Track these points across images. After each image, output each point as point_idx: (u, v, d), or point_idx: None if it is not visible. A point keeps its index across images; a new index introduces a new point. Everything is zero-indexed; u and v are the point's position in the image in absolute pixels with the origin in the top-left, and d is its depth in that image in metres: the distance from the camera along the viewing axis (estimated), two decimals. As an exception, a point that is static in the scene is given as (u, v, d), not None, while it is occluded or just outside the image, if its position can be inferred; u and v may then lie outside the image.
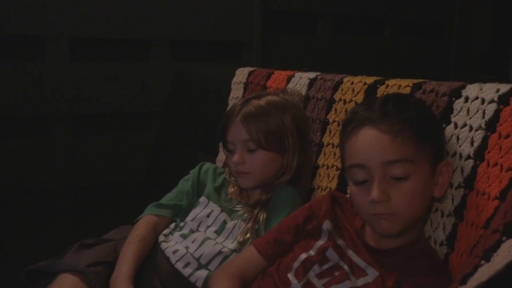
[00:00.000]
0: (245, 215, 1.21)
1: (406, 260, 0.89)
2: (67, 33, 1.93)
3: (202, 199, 1.28)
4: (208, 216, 1.24)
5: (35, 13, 1.85)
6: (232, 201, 1.26)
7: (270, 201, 1.22)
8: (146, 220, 1.26)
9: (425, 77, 1.15)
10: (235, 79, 1.67)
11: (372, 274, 0.89)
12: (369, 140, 0.87)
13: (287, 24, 2.46)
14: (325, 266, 0.94)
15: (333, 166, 1.24)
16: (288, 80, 1.46)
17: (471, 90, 0.96)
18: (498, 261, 0.60)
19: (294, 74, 1.46)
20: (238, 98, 1.61)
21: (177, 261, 1.15)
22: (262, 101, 1.25)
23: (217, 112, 1.70)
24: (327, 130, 1.27)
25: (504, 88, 0.90)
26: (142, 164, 2.11)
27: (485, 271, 0.61)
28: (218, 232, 1.20)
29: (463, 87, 0.98)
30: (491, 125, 0.89)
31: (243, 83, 1.62)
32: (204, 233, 1.21)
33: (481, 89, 0.94)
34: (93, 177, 2.07)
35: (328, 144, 1.26)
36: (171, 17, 2.10)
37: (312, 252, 0.96)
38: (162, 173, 1.98)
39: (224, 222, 1.21)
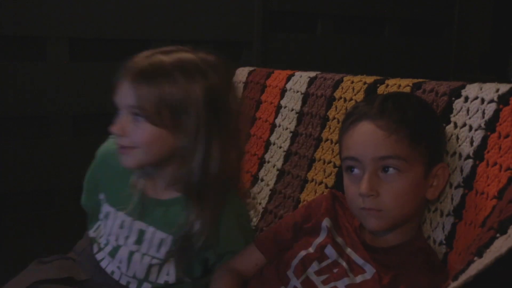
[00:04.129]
0: (162, 220, 1.03)
1: (403, 258, 0.89)
2: (67, 33, 1.93)
3: (108, 209, 1.11)
4: (121, 227, 1.08)
5: (35, 13, 1.85)
6: (141, 200, 1.05)
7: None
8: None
9: (425, 77, 1.16)
10: (235, 79, 1.67)
11: (370, 271, 0.90)
12: (365, 134, 0.89)
13: (287, 24, 2.46)
14: (324, 263, 0.94)
15: (330, 162, 1.24)
16: (288, 78, 1.47)
17: (471, 90, 0.96)
18: (489, 257, 0.60)
19: (294, 73, 1.47)
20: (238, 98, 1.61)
21: (119, 279, 1.09)
22: (170, 58, 0.96)
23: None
24: (327, 126, 1.27)
25: (503, 88, 0.90)
26: (142, 164, 2.11)
27: (475, 266, 0.61)
28: (139, 242, 1.06)
29: (463, 87, 0.98)
30: (490, 125, 0.89)
31: (243, 82, 1.63)
32: (126, 247, 1.07)
33: (481, 89, 0.94)
34: (93, 177, 2.07)
35: (327, 140, 1.26)
36: (171, 17, 2.10)
37: (311, 250, 0.97)
38: (162, 173, 1.98)
39: (141, 232, 1.05)
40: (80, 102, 1.99)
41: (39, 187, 1.99)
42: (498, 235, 0.64)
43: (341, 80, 1.28)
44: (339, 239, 0.96)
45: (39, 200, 2.02)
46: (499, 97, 0.89)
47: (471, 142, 0.92)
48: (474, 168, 0.90)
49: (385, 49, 2.71)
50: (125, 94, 0.96)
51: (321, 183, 1.23)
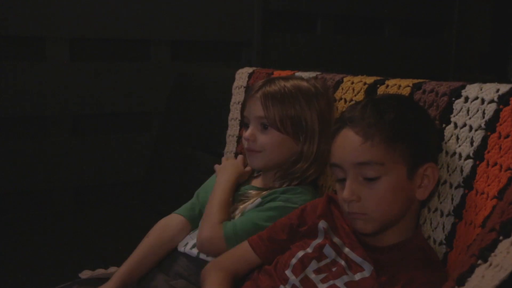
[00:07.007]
0: (253, 198, 1.19)
1: (401, 257, 0.90)
2: (67, 33, 1.93)
3: None
4: None
5: (35, 13, 1.85)
6: (249, 188, 1.25)
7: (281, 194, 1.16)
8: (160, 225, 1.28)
9: (425, 77, 1.16)
10: (235, 84, 1.66)
11: (368, 268, 0.90)
12: (344, 141, 0.92)
13: (287, 24, 2.46)
14: (323, 262, 0.95)
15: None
16: (288, 80, 1.46)
17: (471, 90, 0.96)
18: (496, 263, 0.59)
19: (294, 73, 1.46)
20: (240, 103, 1.60)
21: (183, 246, 1.19)
22: (288, 83, 1.20)
23: (217, 112, 1.70)
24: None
25: (504, 88, 0.90)
26: (142, 164, 2.11)
27: (485, 274, 0.60)
28: None
29: (463, 87, 0.98)
30: (490, 125, 0.89)
31: (244, 87, 1.61)
32: None
33: (481, 89, 0.94)
34: (93, 177, 2.07)
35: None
36: (171, 17, 2.10)
37: (309, 250, 0.97)
38: (162, 173, 1.98)
39: (234, 208, 1.20)
40: (79, 102, 1.99)
41: (39, 187, 1.99)
42: (501, 237, 0.63)
43: (341, 81, 1.28)
44: (337, 239, 0.97)
45: (39, 200, 2.02)
46: (499, 97, 0.89)
47: (471, 142, 0.92)
48: (474, 168, 0.90)
49: (385, 49, 2.71)
50: (254, 107, 1.19)
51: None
